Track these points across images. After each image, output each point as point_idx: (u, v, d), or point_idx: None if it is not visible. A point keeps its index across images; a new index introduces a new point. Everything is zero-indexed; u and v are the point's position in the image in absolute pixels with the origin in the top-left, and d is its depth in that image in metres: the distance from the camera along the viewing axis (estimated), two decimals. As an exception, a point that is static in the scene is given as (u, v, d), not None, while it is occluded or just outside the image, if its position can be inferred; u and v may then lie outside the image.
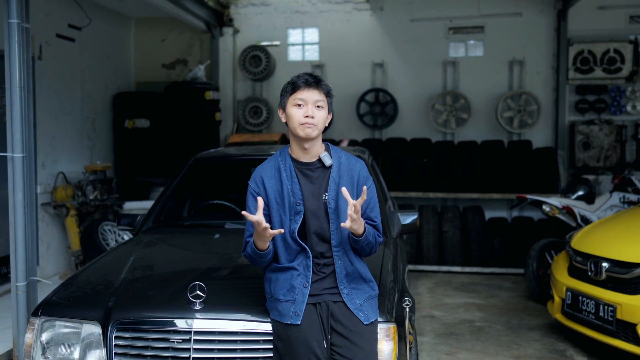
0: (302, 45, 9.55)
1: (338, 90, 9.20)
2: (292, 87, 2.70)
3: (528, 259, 6.70)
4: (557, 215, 6.70)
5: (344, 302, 2.72)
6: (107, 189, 7.80)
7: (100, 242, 7.31)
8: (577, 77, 8.65)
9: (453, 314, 6.32)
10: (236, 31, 9.61)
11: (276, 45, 9.47)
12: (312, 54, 9.50)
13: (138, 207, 7.39)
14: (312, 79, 2.72)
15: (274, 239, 2.72)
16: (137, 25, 9.83)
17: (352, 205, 2.55)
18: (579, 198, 7.06)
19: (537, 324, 5.98)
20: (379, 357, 2.80)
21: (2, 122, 6.02)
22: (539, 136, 8.82)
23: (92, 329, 2.97)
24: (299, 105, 2.68)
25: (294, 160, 2.77)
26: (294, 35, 9.55)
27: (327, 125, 2.77)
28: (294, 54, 9.57)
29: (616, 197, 6.85)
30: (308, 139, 2.70)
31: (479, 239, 8.11)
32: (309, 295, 2.70)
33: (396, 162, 8.49)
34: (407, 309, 3.01)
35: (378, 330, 2.84)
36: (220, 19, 9.51)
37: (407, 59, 9.16)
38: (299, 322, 2.66)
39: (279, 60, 9.48)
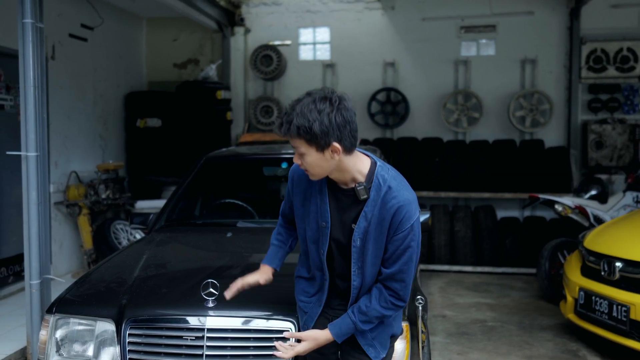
0: (313, 44, 9.55)
1: (349, 90, 9.23)
2: None
3: (540, 258, 6.67)
4: (570, 215, 6.67)
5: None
6: (119, 188, 7.83)
7: (112, 240, 7.34)
8: (589, 75, 8.59)
9: (465, 314, 6.30)
10: (247, 31, 9.62)
11: (287, 45, 9.48)
12: (324, 54, 9.50)
13: (150, 206, 7.42)
14: (282, 126, 2.29)
15: (305, 242, 2.54)
16: (149, 25, 9.87)
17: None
18: (591, 197, 7.04)
19: (550, 324, 5.95)
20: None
21: (17, 122, 6.07)
22: (552, 135, 8.77)
23: (106, 327, 2.99)
24: None
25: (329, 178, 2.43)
26: (305, 35, 9.54)
27: (335, 159, 2.27)
28: (305, 54, 9.57)
29: (629, 196, 6.79)
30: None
31: (490, 238, 8.08)
32: (325, 307, 2.59)
33: (407, 161, 8.46)
34: (420, 308, 3.01)
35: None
36: (231, 19, 9.53)
37: (418, 58, 9.13)
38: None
39: (290, 59, 9.49)
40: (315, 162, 2.29)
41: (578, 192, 7.22)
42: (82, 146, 7.93)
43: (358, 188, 2.33)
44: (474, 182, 8.34)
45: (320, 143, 2.23)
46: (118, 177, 7.97)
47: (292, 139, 2.27)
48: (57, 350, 3.07)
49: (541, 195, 6.94)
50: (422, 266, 8.11)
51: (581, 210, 6.65)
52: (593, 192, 7.05)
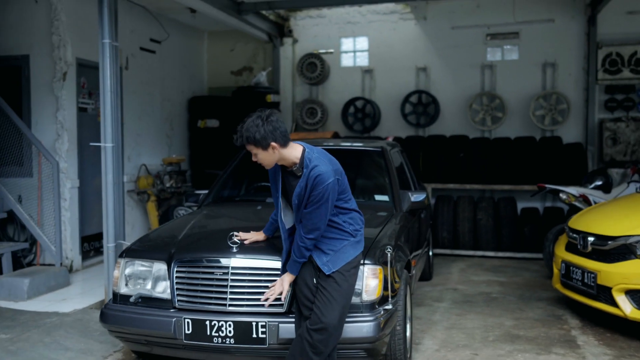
0: (353, 52, 10.57)
1: (385, 92, 10.26)
2: None
3: (545, 241, 7.43)
4: (574, 203, 7.38)
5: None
6: (181, 178, 9.05)
7: (175, 223, 8.53)
8: (606, 77, 9.23)
9: (474, 288, 7.11)
10: (295, 41, 10.73)
11: (330, 53, 10.53)
12: (363, 60, 10.50)
13: (207, 194, 8.57)
14: (237, 140, 3.51)
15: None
16: (210, 37, 11.11)
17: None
18: (596, 188, 7.67)
19: (547, 296, 6.71)
20: (365, 290, 3.76)
21: (97, 122, 7.35)
22: (570, 133, 9.45)
23: (160, 267, 4.08)
24: None
25: None
26: (346, 44, 10.58)
27: (277, 153, 3.46)
28: (346, 60, 10.60)
29: (633, 187, 7.35)
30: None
31: (510, 226, 8.81)
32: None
33: (436, 156, 9.31)
34: (389, 255, 3.96)
35: (365, 270, 3.79)
36: (281, 31, 10.67)
37: (448, 63, 10.01)
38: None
39: (332, 66, 10.54)
40: (264, 157, 3.51)
41: (584, 183, 7.88)
42: (150, 143, 9.20)
43: (294, 168, 3.54)
44: (497, 175, 9.08)
45: (263, 144, 3.45)
46: (181, 169, 9.19)
47: (246, 145, 3.49)
48: (126, 284, 4.19)
49: (547, 185, 7.68)
50: (447, 251, 8.99)
51: (585, 199, 7.36)
52: (598, 183, 7.67)
